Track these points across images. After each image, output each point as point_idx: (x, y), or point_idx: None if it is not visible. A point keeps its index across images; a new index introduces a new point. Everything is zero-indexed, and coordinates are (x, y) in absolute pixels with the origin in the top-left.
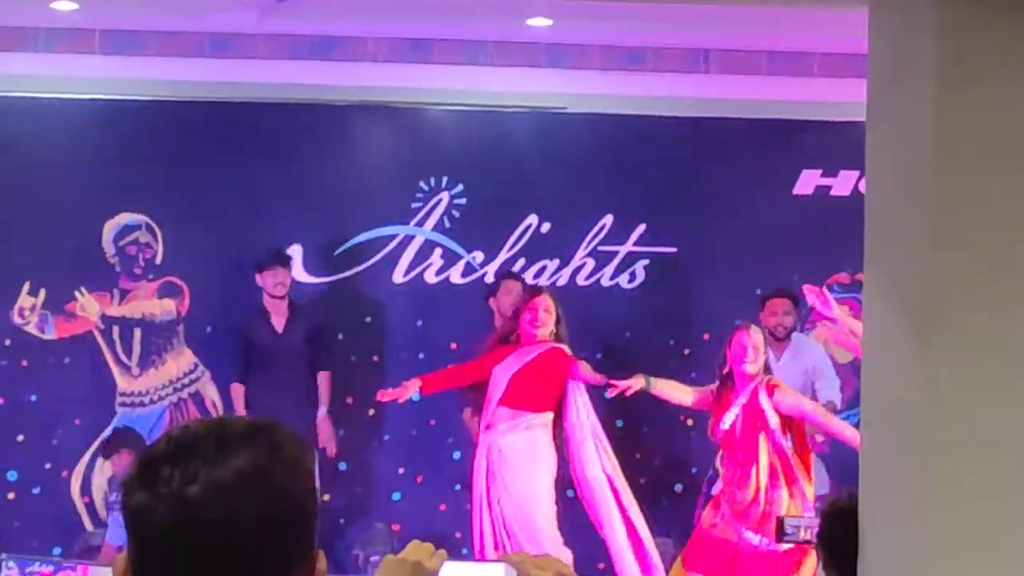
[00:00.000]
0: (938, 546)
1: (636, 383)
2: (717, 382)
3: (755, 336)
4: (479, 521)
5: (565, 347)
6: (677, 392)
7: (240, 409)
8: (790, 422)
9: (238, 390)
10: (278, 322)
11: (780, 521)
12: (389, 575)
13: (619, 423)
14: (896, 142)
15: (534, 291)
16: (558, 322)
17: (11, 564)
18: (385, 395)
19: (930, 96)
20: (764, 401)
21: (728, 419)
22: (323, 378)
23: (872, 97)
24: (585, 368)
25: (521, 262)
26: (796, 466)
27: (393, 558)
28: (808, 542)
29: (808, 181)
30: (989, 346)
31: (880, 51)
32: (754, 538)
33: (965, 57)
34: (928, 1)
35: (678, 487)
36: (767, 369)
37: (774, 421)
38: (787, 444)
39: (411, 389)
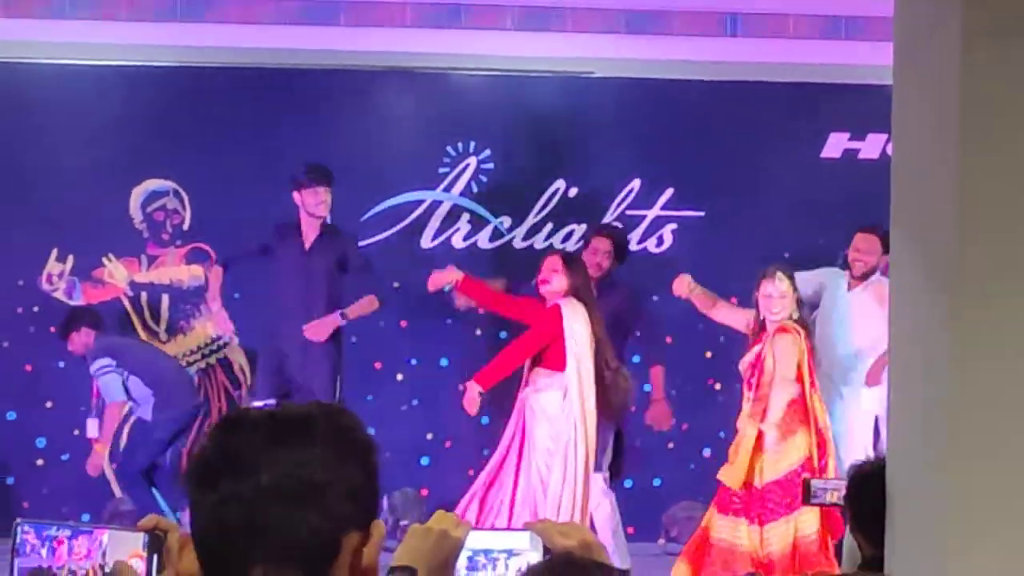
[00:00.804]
0: (963, 508)
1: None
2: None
3: (779, 284)
4: (508, 485)
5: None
6: (726, 310)
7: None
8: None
9: (216, 272)
10: (308, 238)
11: (807, 483)
12: (415, 544)
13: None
14: (922, 105)
15: (546, 253)
16: (571, 281)
17: (27, 528)
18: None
19: (956, 58)
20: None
21: (745, 361)
22: (368, 300)
23: (898, 60)
24: None
25: (548, 227)
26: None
27: (419, 527)
28: (835, 504)
29: (836, 144)
30: (1016, 309)
31: (906, 14)
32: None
33: (990, 19)
34: None
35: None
36: (801, 315)
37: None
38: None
39: (448, 277)
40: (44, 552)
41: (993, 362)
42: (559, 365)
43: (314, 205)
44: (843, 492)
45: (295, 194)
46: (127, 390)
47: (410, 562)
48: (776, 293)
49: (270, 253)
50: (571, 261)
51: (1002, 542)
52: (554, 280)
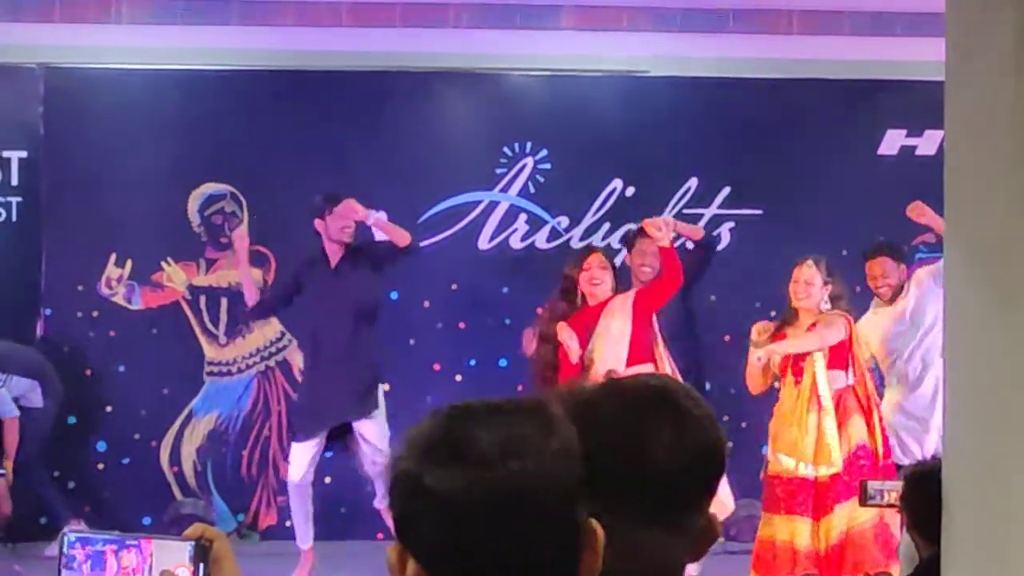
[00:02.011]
0: (1022, 508)
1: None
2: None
3: (807, 271)
4: None
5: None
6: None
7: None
8: (844, 359)
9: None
10: (333, 260)
11: (863, 485)
12: None
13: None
14: (975, 103)
15: (586, 251)
16: (616, 278)
17: (73, 539)
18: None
19: (1009, 56)
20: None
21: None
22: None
23: (950, 57)
24: None
25: (606, 226)
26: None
27: None
28: (892, 506)
29: (893, 141)
30: None
31: (957, 11)
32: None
33: None
34: None
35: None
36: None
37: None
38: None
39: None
40: (88, 567)
41: None
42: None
43: (338, 231)
44: (900, 493)
45: (317, 222)
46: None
47: None
48: (803, 279)
49: (301, 288)
50: (610, 258)
51: None
52: (606, 279)
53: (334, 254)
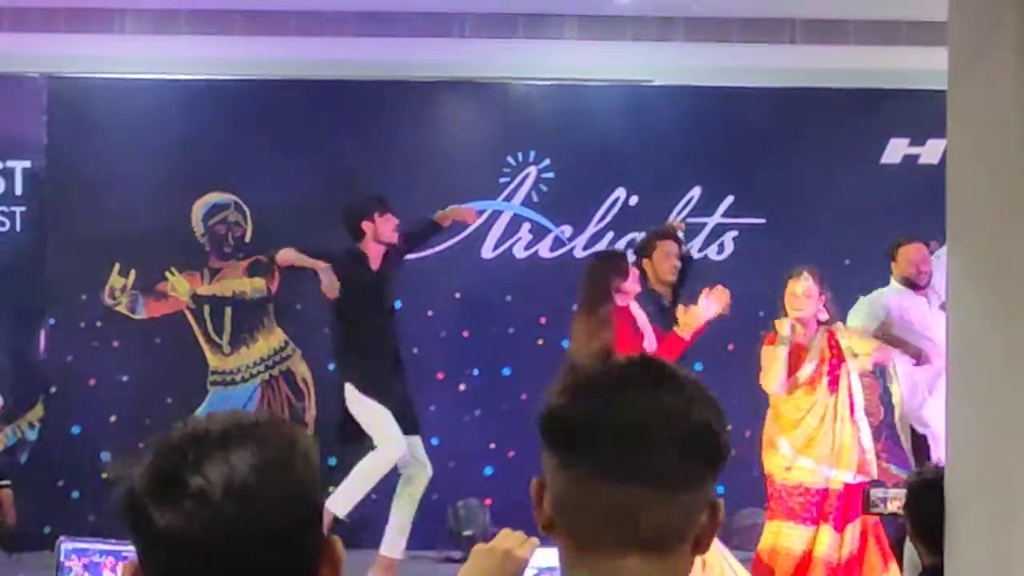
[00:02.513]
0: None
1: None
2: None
3: (804, 282)
4: None
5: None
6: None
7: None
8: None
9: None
10: (375, 260)
11: (866, 492)
12: (479, 564)
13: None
14: (977, 113)
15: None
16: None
17: (69, 548)
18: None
19: (1011, 66)
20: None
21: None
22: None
23: (953, 68)
24: None
25: (610, 235)
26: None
27: (483, 547)
28: (895, 514)
29: (896, 150)
30: None
31: (960, 21)
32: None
33: None
34: None
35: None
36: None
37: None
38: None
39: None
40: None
41: None
42: None
43: (389, 233)
44: (903, 501)
45: (365, 224)
46: None
47: None
48: (801, 291)
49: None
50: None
51: None
52: (635, 283)
53: (376, 254)
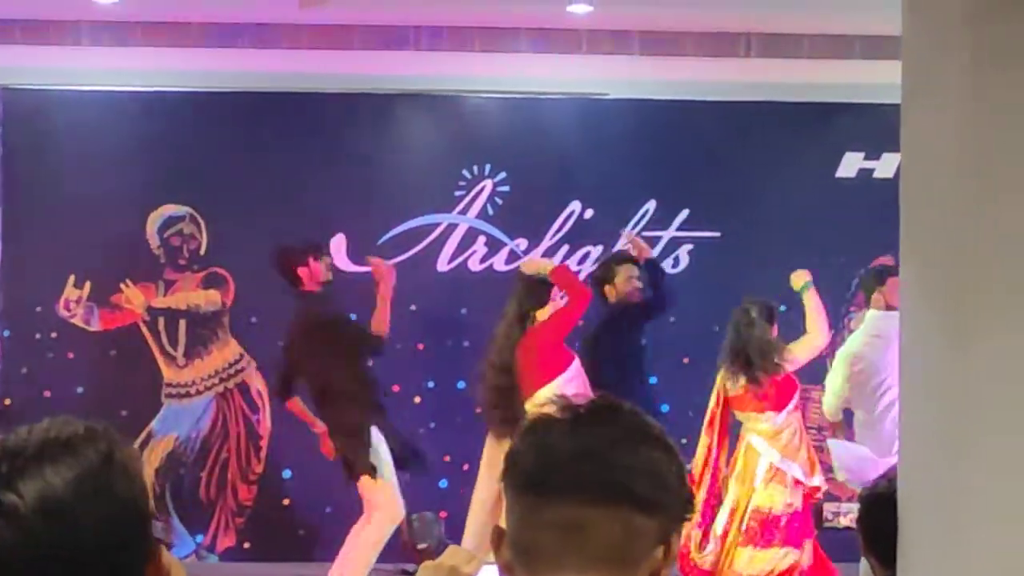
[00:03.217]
0: (977, 532)
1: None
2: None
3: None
4: None
5: None
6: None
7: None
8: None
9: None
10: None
11: (819, 508)
12: None
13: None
14: (931, 129)
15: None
16: None
17: None
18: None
19: (965, 82)
20: None
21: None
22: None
23: (906, 82)
24: None
25: (564, 248)
26: None
27: (431, 564)
28: (848, 528)
29: (851, 164)
30: None
31: (913, 37)
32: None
33: (1000, 42)
34: None
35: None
36: None
37: None
38: None
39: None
40: None
41: (1006, 388)
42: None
43: (324, 274)
44: (855, 515)
45: (301, 270)
46: None
47: None
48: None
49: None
50: None
51: (1018, 563)
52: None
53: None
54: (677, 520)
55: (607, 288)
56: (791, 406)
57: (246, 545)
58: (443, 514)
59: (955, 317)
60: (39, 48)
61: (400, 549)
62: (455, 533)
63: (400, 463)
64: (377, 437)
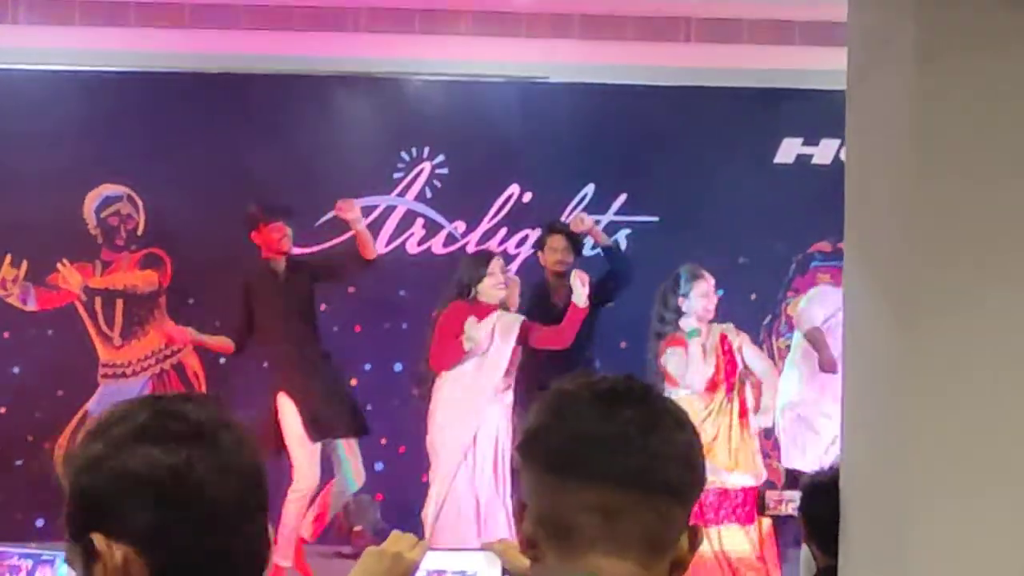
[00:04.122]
0: (918, 518)
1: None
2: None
3: (709, 282)
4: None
5: (511, 311)
6: None
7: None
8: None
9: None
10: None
11: (761, 495)
12: (369, 566)
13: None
14: (876, 116)
15: (488, 255)
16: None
17: None
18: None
19: (910, 70)
20: (739, 347)
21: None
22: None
23: (851, 70)
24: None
25: (503, 232)
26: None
27: (374, 550)
28: (789, 516)
29: (789, 150)
30: (969, 321)
31: (858, 25)
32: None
33: (945, 31)
34: None
35: None
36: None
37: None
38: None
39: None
40: None
41: (948, 374)
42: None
43: (277, 242)
44: (797, 503)
45: (253, 234)
46: None
47: None
48: (711, 292)
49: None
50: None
51: (959, 551)
52: (509, 284)
53: (277, 266)
54: (694, 504)
55: (539, 255)
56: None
57: None
58: (378, 496)
59: (899, 301)
60: None
61: (336, 531)
62: (390, 516)
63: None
64: (285, 406)
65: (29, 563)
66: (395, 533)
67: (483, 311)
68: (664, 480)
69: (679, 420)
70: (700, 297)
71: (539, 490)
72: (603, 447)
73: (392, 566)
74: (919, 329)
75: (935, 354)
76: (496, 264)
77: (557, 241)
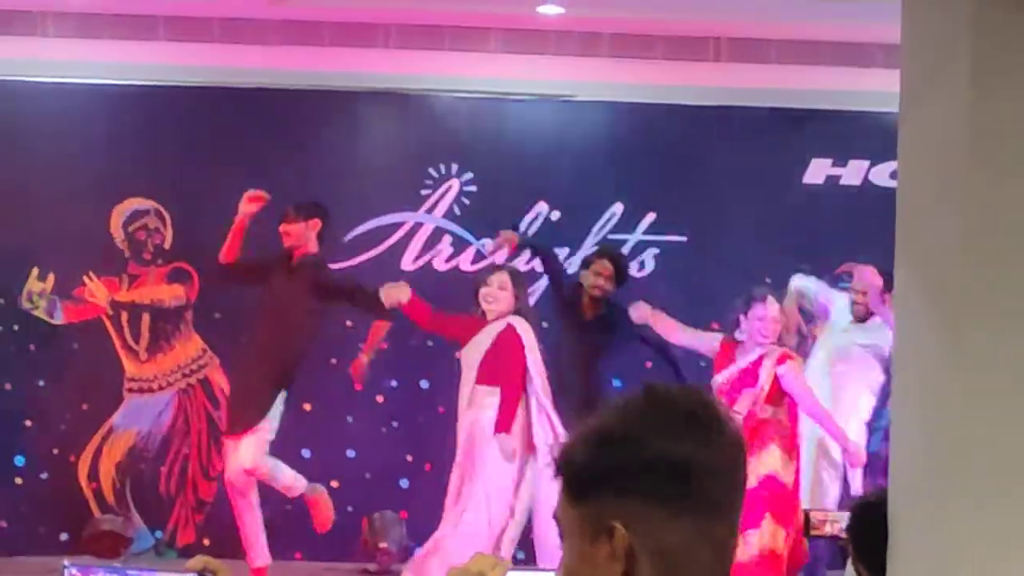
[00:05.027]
0: (968, 541)
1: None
2: (722, 336)
3: (770, 307)
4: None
5: (520, 321)
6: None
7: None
8: (781, 395)
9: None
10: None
11: (807, 515)
12: None
13: None
14: (930, 138)
15: (492, 268)
16: (517, 299)
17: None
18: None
19: (965, 92)
20: (766, 366)
21: (723, 376)
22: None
23: (905, 91)
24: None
25: (530, 250)
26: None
27: (455, 570)
28: (835, 537)
29: (818, 170)
30: (1021, 342)
31: (914, 45)
32: None
33: (1002, 53)
34: None
35: None
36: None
37: (763, 383)
38: (768, 411)
39: (401, 292)
40: None
41: (999, 393)
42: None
43: (301, 236)
44: (844, 523)
45: (282, 226)
46: None
47: None
48: (769, 316)
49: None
50: (517, 278)
51: (1009, 570)
52: (501, 298)
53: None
54: None
55: (582, 273)
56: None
57: (205, 541)
58: (403, 514)
59: (951, 322)
60: (4, 39)
61: (361, 548)
62: (415, 533)
63: None
64: None
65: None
66: (478, 553)
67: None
68: (741, 505)
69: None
70: (755, 320)
71: (667, 527)
72: (726, 481)
73: None
74: (972, 348)
75: (987, 378)
76: (495, 278)
77: (603, 267)
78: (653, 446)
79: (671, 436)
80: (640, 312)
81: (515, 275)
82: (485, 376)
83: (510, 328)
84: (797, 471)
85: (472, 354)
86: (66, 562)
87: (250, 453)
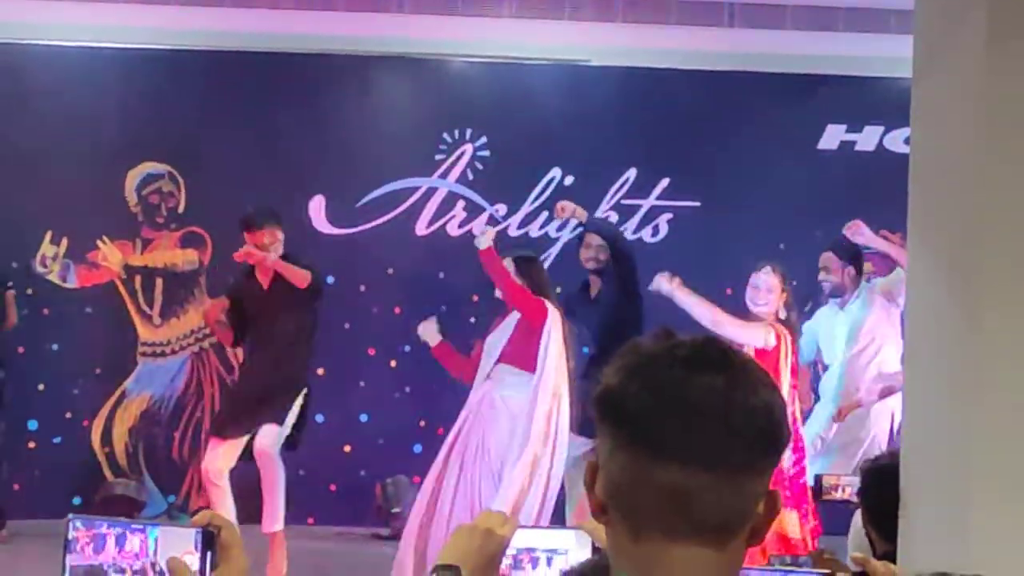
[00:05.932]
0: (981, 504)
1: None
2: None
3: (768, 278)
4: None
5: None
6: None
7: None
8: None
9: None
10: (264, 279)
11: (818, 479)
12: (459, 543)
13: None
14: (943, 103)
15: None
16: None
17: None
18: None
19: (978, 57)
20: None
21: None
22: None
23: (918, 58)
24: None
25: (544, 215)
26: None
27: (465, 526)
28: (847, 501)
29: (833, 136)
30: None
31: (928, 10)
32: None
33: (1015, 18)
34: None
35: None
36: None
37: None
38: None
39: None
40: (91, 549)
41: (1016, 359)
42: (528, 365)
43: (268, 247)
44: (855, 488)
45: (246, 234)
46: None
47: (454, 561)
48: (764, 286)
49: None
50: (524, 264)
51: (1020, 536)
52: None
53: (263, 273)
54: (775, 470)
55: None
56: None
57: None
58: (416, 479)
59: (964, 290)
60: (18, 3)
61: (374, 513)
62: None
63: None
64: None
65: (118, 529)
66: (486, 510)
67: None
68: (744, 459)
69: (761, 381)
70: (751, 288)
71: (611, 458)
72: (678, 420)
73: (484, 543)
74: (987, 317)
75: (1002, 343)
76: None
77: (590, 238)
78: (605, 379)
79: (625, 371)
80: (661, 284)
81: (520, 262)
82: (507, 357)
83: (539, 303)
84: (800, 450)
85: (495, 343)
86: (71, 515)
87: (273, 435)
